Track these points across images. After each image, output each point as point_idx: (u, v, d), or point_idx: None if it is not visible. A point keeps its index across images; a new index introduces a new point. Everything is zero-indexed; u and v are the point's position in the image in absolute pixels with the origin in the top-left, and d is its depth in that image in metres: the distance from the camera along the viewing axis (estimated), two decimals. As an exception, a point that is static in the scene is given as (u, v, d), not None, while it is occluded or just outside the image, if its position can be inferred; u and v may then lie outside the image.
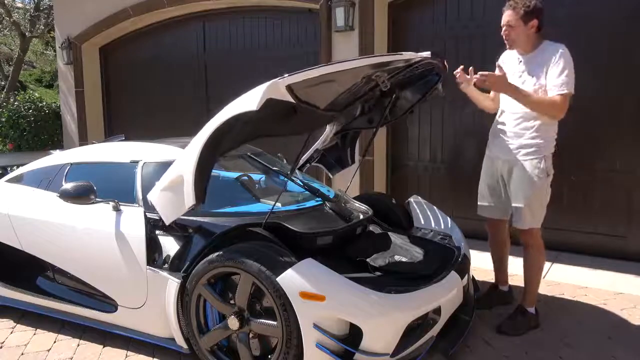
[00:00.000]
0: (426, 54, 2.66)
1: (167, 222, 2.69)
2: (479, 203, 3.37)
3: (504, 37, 2.99)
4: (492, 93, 3.31)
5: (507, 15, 2.93)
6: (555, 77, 2.85)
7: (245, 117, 2.34)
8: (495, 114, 3.27)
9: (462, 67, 3.12)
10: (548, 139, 3.01)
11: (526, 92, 2.89)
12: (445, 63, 2.90)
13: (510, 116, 3.07)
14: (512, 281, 3.79)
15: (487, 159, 3.31)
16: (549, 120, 2.97)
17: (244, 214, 2.88)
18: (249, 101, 2.24)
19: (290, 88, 2.28)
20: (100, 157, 3.44)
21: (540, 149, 2.99)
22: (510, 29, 2.93)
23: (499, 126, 3.17)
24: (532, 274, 3.15)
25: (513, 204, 3.10)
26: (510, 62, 3.11)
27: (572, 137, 4.38)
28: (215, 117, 2.38)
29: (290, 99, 2.32)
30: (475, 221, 3.77)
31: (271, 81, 2.24)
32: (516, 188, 3.07)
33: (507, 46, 3.05)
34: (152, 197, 2.71)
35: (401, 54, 2.59)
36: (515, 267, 4.04)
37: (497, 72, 3.02)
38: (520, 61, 3.03)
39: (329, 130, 3.81)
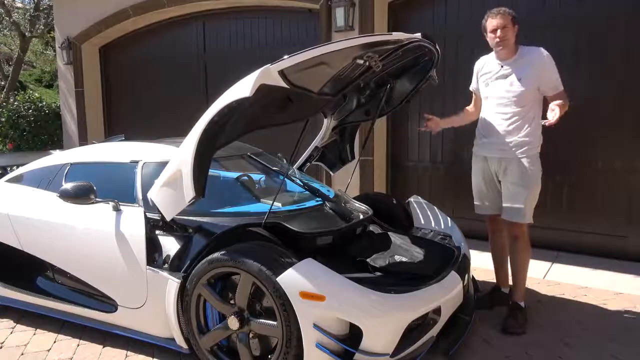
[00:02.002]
0: (416, 35, 2.66)
1: (167, 218, 2.70)
2: (476, 203, 3.44)
3: (497, 39, 3.10)
4: (471, 105, 3.49)
5: (498, 19, 3.09)
6: (552, 78, 3.08)
7: (241, 108, 2.34)
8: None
9: (426, 122, 3.44)
10: (538, 136, 3.17)
11: (562, 103, 2.99)
12: (437, 47, 2.92)
13: (500, 116, 3.19)
14: (511, 281, 3.79)
15: (477, 159, 3.40)
16: (537, 119, 3.14)
17: (244, 214, 2.88)
18: (242, 88, 2.24)
19: (282, 73, 2.28)
20: (100, 157, 3.44)
21: (533, 146, 3.15)
22: (506, 30, 3.08)
23: (489, 126, 3.27)
24: (521, 267, 3.26)
25: (511, 202, 3.17)
26: (491, 66, 3.26)
27: (573, 137, 4.38)
28: (210, 108, 2.38)
29: (283, 84, 2.32)
30: (475, 221, 3.77)
31: (263, 67, 2.24)
32: (515, 185, 3.16)
33: (500, 49, 3.15)
34: (152, 194, 2.71)
35: (390, 34, 2.59)
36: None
37: (474, 80, 3.39)
38: (502, 66, 3.18)
39: (326, 126, 3.81)
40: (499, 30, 3.07)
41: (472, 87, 3.47)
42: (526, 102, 3.10)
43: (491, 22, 3.10)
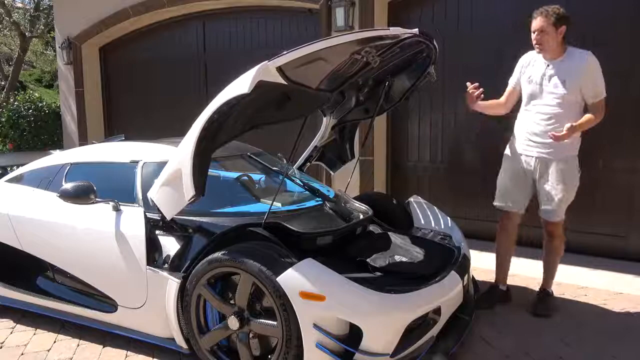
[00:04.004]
0: (414, 30, 2.67)
1: (168, 218, 2.70)
2: (497, 202, 3.43)
3: (535, 42, 3.11)
4: (503, 97, 3.45)
5: (539, 22, 3.06)
6: (596, 85, 3.07)
7: (240, 105, 2.34)
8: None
9: (472, 87, 3.29)
10: (577, 138, 3.18)
11: (586, 119, 3.06)
12: (435, 43, 2.92)
13: (541, 116, 3.19)
14: (513, 281, 3.79)
15: (512, 157, 3.36)
16: (576, 121, 3.08)
17: (244, 214, 2.88)
18: (241, 85, 2.25)
19: (280, 69, 2.29)
20: (100, 157, 3.44)
21: (574, 147, 3.18)
22: (543, 34, 3.06)
23: (528, 125, 3.25)
24: (556, 260, 3.40)
25: (547, 202, 3.21)
26: (537, 65, 3.22)
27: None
28: (208, 105, 2.38)
29: (281, 80, 2.33)
30: (476, 221, 3.78)
31: (261, 63, 2.24)
32: (552, 186, 3.19)
33: (537, 51, 3.16)
34: (152, 193, 2.72)
35: (388, 29, 2.60)
36: (517, 268, 4.05)
37: (516, 74, 3.33)
38: (548, 65, 3.15)
39: (325, 125, 3.81)
40: (536, 32, 3.07)
41: (511, 82, 3.41)
42: (568, 105, 3.09)
43: (533, 22, 3.09)
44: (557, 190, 3.17)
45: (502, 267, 3.53)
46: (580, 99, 3.11)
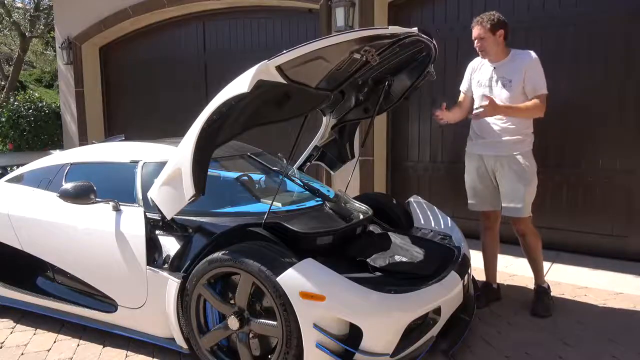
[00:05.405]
0: (413, 29, 2.67)
1: (168, 217, 2.70)
2: (470, 201, 3.52)
3: (477, 49, 3.26)
4: (457, 104, 3.56)
5: (476, 30, 3.22)
6: (535, 81, 3.17)
7: (240, 105, 2.34)
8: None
9: (442, 108, 3.37)
10: (530, 134, 3.30)
11: (515, 106, 3.18)
12: (434, 42, 2.94)
13: (495, 117, 3.26)
14: (512, 281, 3.81)
15: (472, 157, 3.48)
16: (527, 118, 3.25)
17: (244, 214, 2.88)
18: (240, 84, 2.25)
19: (280, 68, 2.30)
20: (100, 157, 3.44)
21: (527, 143, 3.27)
22: (482, 40, 3.22)
23: (483, 126, 3.35)
24: (537, 255, 3.42)
25: (510, 200, 3.27)
26: (484, 69, 3.36)
27: (572, 136, 4.39)
28: (208, 105, 2.38)
29: (280, 79, 2.33)
30: (476, 221, 3.77)
31: (260, 63, 2.25)
32: (512, 182, 3.25)
33: (481, 57, 3.32)
34: (152, 193, 2.72)
35: (387, 27, 2.60)
36: (517, 268, 4.05)
37: (466, 80, 3.48)
38: (494, 68, 3.28)
39: (325, 124, 3.81)
40: (476, 40, 3.22)
41: (462, 88, 3.54)
42: (517, 103, 3.18)
43: (473, 31, 3.24)
44: (517, 187, 3.24)
45: (491, 266, 3.59)
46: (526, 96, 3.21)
